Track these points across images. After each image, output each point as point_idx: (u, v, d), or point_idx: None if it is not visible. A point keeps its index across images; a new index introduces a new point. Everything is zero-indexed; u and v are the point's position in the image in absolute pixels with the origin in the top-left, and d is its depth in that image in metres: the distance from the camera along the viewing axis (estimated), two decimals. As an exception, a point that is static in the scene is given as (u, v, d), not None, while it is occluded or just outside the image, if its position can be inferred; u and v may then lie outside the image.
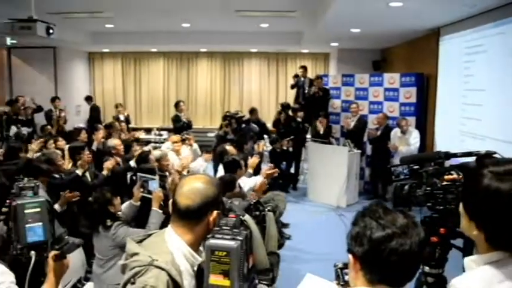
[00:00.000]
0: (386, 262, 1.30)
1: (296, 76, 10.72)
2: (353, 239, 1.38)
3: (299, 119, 9.36)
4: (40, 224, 1.69)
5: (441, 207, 2.10)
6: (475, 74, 6.86)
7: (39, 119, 10.51)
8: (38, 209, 1.70)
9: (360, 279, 1.38)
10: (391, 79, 8.92)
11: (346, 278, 1.79)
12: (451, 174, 2.17)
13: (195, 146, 7.68)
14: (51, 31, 5.96)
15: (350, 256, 1.40)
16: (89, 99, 12.80)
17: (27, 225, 1.68)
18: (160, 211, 4.09)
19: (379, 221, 1.34)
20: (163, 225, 4.07)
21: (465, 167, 2.10)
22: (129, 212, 4.37)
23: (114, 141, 6.68)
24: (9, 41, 9.84)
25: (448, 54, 7.84)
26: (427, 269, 2.16)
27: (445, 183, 2.14)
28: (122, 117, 11.03)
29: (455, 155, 2.22)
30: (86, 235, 4.56)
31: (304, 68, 10.84)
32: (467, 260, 1.41)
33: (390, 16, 7.04)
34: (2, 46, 11.83)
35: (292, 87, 10.84)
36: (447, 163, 2.27)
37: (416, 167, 2.26)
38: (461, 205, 1.44)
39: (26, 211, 1.69)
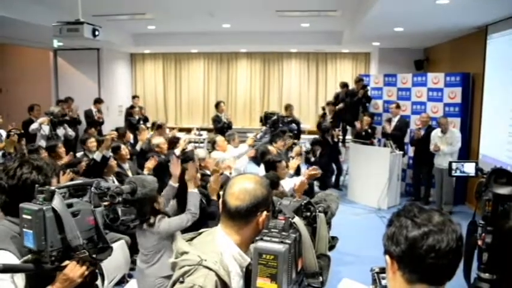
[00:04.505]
0: (424, 260, 1.29)
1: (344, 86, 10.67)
2: (389, 239, 1.37)
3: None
4: (30, 231, 1.67)
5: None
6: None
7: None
8: (29, 217, 1.67)
9: (397, 279, 1.36)
10: (435, 79, 8.68)
11: (383, 282, 1.77)
12: None
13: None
14: (96, 33, 6.10)
15: (387, 257, 1.39)
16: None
17: (23, 229, 1.69)
18: (196, 190, 4.12)
19: (415, 219, 1.33)
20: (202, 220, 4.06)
21: None
22: (169, 194, 4.39)
23: (158, 140, 6.81)
24: (56, 43, 10.16)
25: (497, 53, 7.54)
26: (477, 271, 2.10)
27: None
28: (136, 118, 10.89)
29: None
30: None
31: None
32: None
33: (436, 14, 6.85)
34: (49, 48, 12.24)
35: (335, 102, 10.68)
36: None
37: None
38: None
39: (22, 215, 1.69)
